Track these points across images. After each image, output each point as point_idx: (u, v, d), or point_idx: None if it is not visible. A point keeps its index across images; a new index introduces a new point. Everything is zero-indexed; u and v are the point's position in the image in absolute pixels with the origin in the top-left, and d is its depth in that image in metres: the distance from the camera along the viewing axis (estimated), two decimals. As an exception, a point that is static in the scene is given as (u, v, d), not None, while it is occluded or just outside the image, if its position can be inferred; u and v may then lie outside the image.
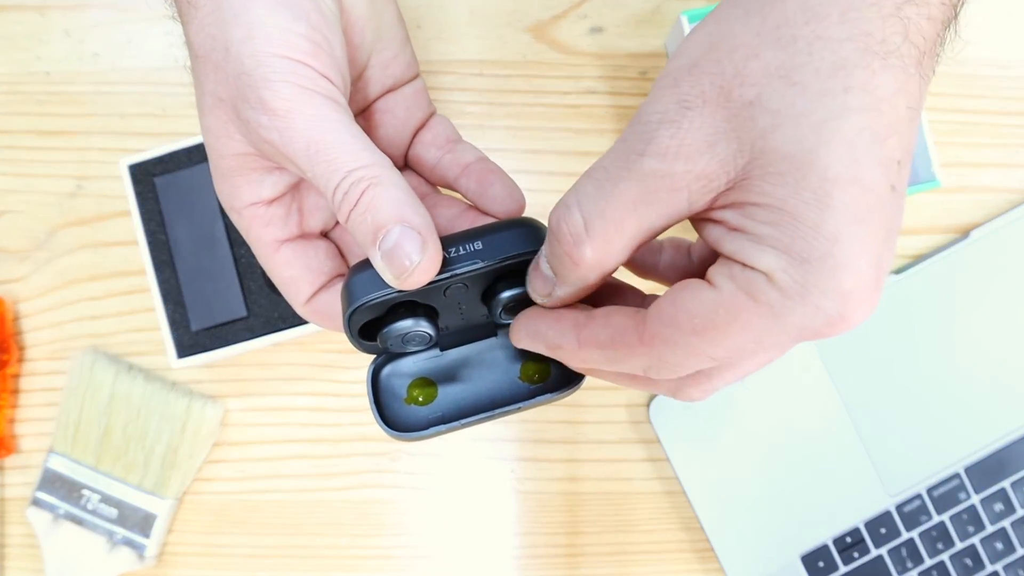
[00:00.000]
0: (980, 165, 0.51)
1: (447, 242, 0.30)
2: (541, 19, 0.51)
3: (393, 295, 0.30)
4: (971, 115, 0.51)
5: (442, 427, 0.32)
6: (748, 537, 0.48)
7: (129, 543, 0.48)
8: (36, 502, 0.49)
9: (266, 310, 0.48)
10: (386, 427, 0.32)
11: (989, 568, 0.48)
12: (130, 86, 0.51)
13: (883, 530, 0.48)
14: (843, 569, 0.48)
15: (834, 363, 0.49)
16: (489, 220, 0.34)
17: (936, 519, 0.48)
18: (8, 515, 0.50)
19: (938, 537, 0.48)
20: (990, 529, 0.48)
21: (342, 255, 0.35)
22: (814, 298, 0.23)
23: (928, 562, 0.48)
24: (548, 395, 0.32)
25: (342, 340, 0.46)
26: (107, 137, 0.51)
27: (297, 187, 0.34)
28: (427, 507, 0.50)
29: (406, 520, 0.50)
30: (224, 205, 0.33)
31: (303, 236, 0.34)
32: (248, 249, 0.48)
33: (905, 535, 0.48)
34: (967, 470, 0.48)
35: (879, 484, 0.48)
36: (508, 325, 0.34)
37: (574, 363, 0.29)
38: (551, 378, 0.34)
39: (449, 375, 0.34)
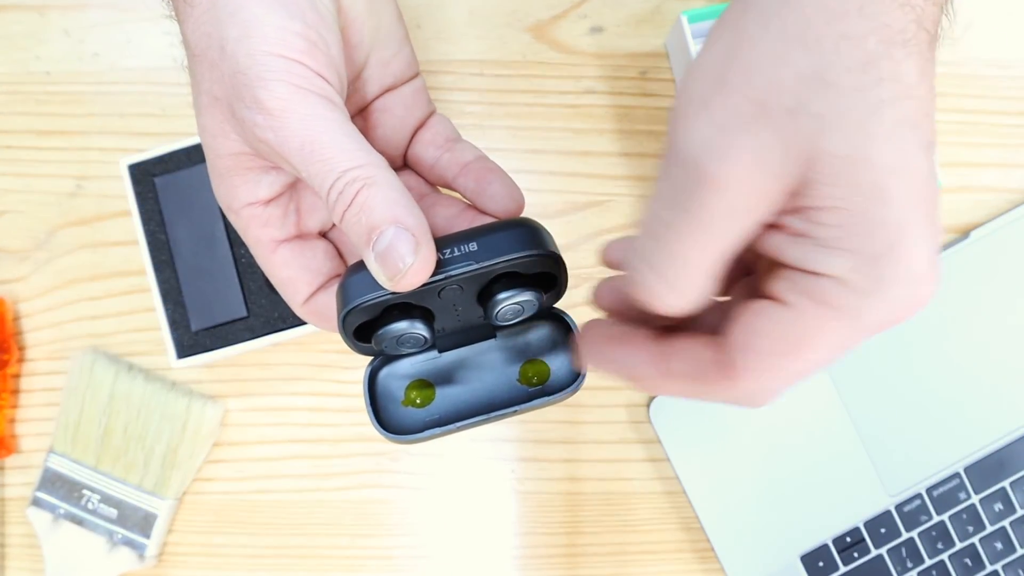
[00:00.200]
0: (980, 165, 0.51)
1: (442, 243, 0.30)
2: (541, 19, 0.51)
3: (387, 297, 0.29)
4: (971, 115, 0.51)
5: (437, 430, 0.32)
6: (748, 537, 0.48)
7: (129, 543, 0.48)
8: (36, 502, 0.49)
9: (266, 310, 0.48)
10: (382, 429, 0.32)
11: (989, 568, 0.48)
12: (130, 86, 0.51)
13: (883, 530, 0.48)
14: (843, 569, 0.48)
15: (834, 363, 0.49)
16: (488, 220, 0.34)
17: (936, 519, 0.48)
18: (8, 515, 0.50)
19: (938, 537, 0.48)
20: (990, 529, 0.48)
21: (341, 255, 0.35)
22: (890, 290, 0.23)
23: (928, 562, 0.48)
24: (545, 398, 0.32)
25: (341, 340, 0.46)
26: (107, 137, 0.51)
27: (294, 187, 0.34)
28: (427, 507, 0.50)
29: (406, 520, 0.50)
30: (221, 205, 0.33)
31: (301, 236, 0.34)
32: (248, 249, 0.48)
33: (905, 535, 0.48)
34: (967, 470, 0.48)
35: (879, 484, 0.48)
36: (505, 327, 0.34)
37: (655, 391, 0.29)
38: (550, 380, 0.34)
39: (447, 377, 0.34)
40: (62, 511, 0.48)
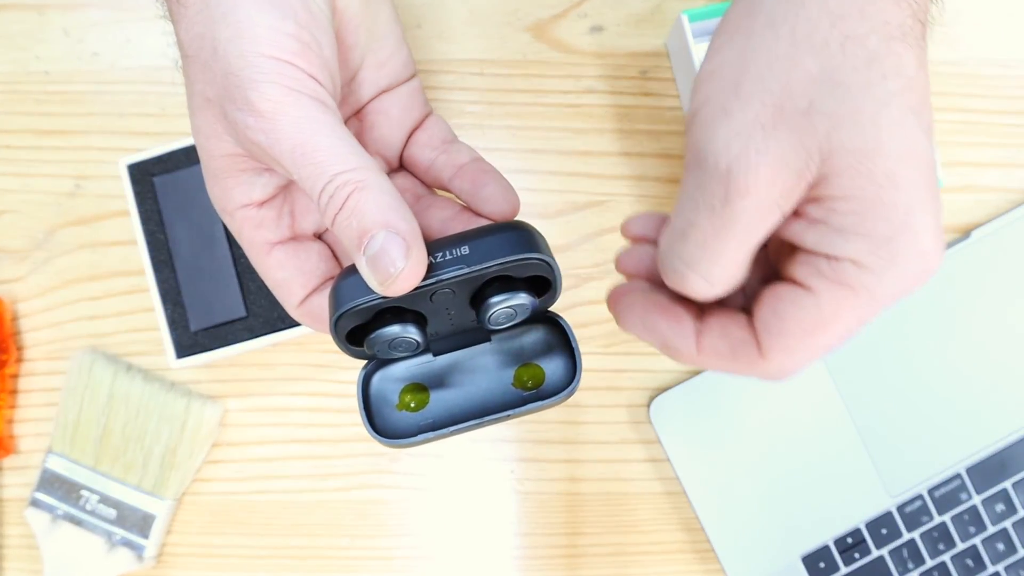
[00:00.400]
0: (981, 165, 0.51)
1: (434, 247, 0.30)
2: (541, 18, 0.51)
3: (378, 301, 0.29)
4: (972, 114, 0.51)
5: (431, 434, 0.32)
6: (749, 538, 0.48)
7: (128, 544, 0.48)
8: (35, 503, 0.49)
9: (265, 310, 0.48)
10: (375, 433, 0.32)
11: (991, 569, 0.48)
12: (129, 85, 0.51)
13: (884, 531, 0.48)
14: (844, 570, 0.48)
15: (835, 363, 0.49)
16: (483, 222, 0.34)
17: (937, 519, 0.48)
18: (7, 516, 0.50)
19: (939, 538, 0.48)
20: (991, 530, 0.48)
21: (335, 257, 0.35)
22: (902, 266, 0.26)
23: (929, 563, 0.48)
24: (539, 402, 0.32)
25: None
26: (106, 137, 0.51)
27: (288, 188, 0.33)
28: (427, 507, 0.50)
29: (406, 521, 0.50)
30: (216, 207, 0.32)
31: (295, 238, 0.34)
32: (247, 249, 0.48)
33: (906, 536, 0.48)
34: (968, 470, 0.48)
35: (880, 484, 0.48)
36: (499, 330, 0.34)
37: (685, 362, 0.31)
38: (544, 384, 0.34)
39: (441, 381, 0.34)
40: (60, 512, 0.48)
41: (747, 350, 0.29)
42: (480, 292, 0.31)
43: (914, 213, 0.25)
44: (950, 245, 0.49)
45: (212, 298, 0.48)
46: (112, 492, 0.48)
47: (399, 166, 0.38)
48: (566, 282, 0.50)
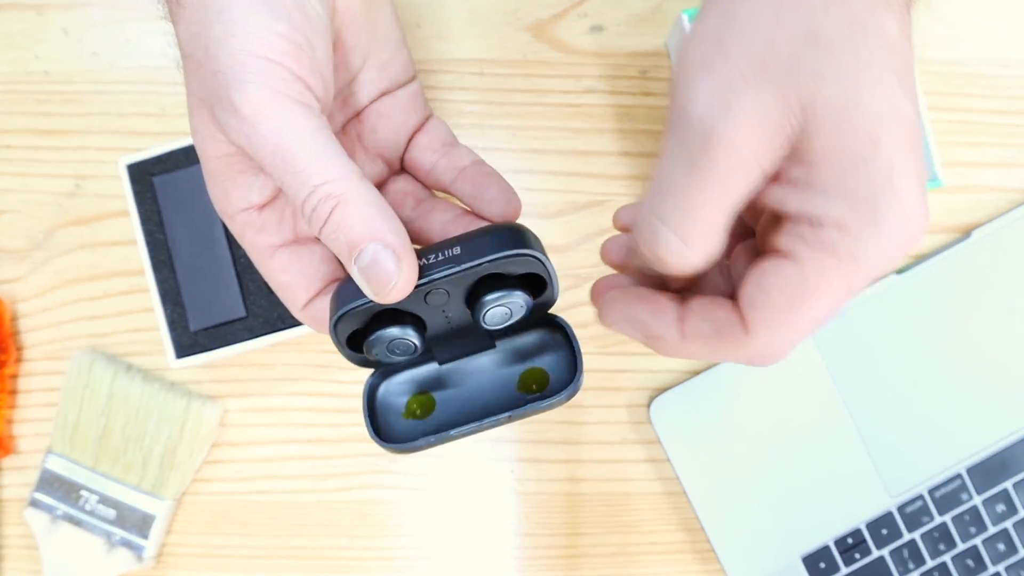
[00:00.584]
0: (982, 164, 0.51)
1: (427, 250, 0.30)
2: (541, 18, 0.51)
3: (370, 304, 0.30)
4: (972, 114, 0.51)
5: (432, 438, 0.32)
6: (749, 538, 0.48)
7: (127, 544, 0.48)
8: (34, 503, 0.49)
9: (265, 310, 0.48)
10: (379, 439, 0.32)
11: (991, 569, 0.48)
12: (129, 85, 0.51)
13: (884, 531, 0.48)
14: (844, 570, 0.48)
15: (835, 363, 0.49)
16: (483, 224, 0.34)
17: (938, 520, 0.48)
18: (6, 516, 0.50)
19: (940, 538, 0.48)
20: (992, 530, 0.48)
21: (337, 259, 0.35)
22: (885, 228, 0.25)
23: (930, 563, 0.48)
24: (539, 403, 0.32)
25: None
26: (105, 136, 0.51)
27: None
28: (427, 508, 0.50)
29: (406, 521, 0.50)
30: (217, 210, 0.32)
31: (297, 241, 0.34)
32: (247, 249, 0.47)
33: (907, 536, 0.48)
34: (969, 471, 0.48)
35: (880, 485, 0.48)
36: (498, 332, 0.34)
37: (671, 353, 0.30)
38: (549, 387, 0.34)
39: (447, 388, 0.34)
40: (60, 512, 0.48)
41: (732, 330, 0.28)
42: (474, 292, 0.31)
43: (896, 173, 0.25)
44: (950, 245, 0.49)
45: (212, 298, 0.48)
46: (112, 492, 0.48)
47: (400, 168, 0.38)
48: (566, 282, 0.50)
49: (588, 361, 0.49)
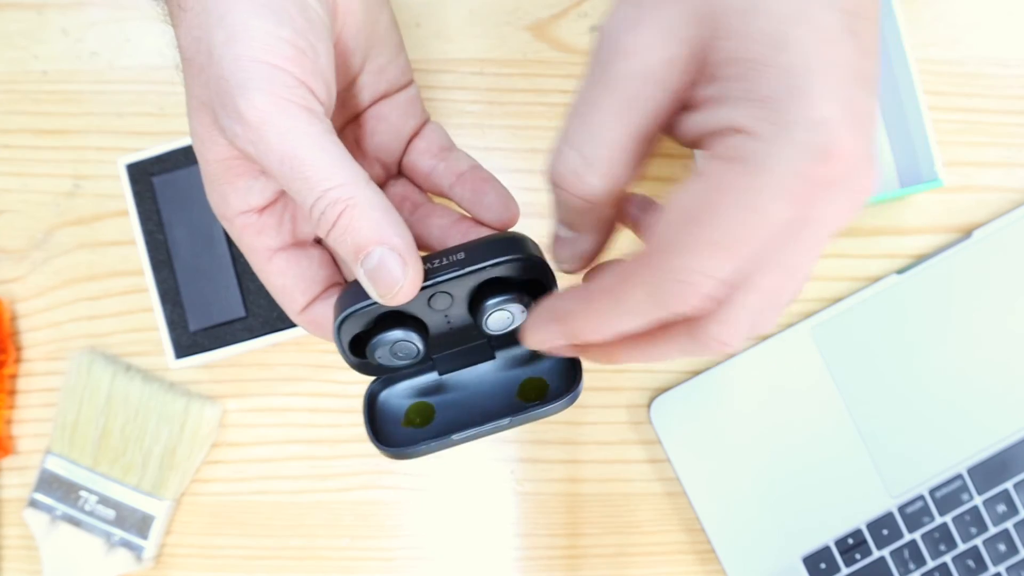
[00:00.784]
0: (983, 164, 0.51)
1: (432, 256, 0.31)
2: (541, 17, 0.51)
3: (376, 305, 0.30)
4: (973, 114, 0.51)
5: (433, 443, 0.32)
6: (750, 538, 0.48)
7: (127, 544, 0.48)
8: (33, 503, 0.48)
9: (264, 310, 0.48)
10: (380, 444, 0.32)
11: (992, 570, 0.48)
12: (128, 85, 0.51)
13: (885, 531, 0.48)
14: (845, 571, 0.48)
15: (836, 363, 0.49)
16: (483, 230, 0.34)
17: (939, 520, 0.48)
18: (5, 516, 0.50)
19: (940, 538, 0.48)
20: (993, 531, 0.48)
21: (336, 263, 0.35)
22: (792, 133, 0.22)
23: (930, 564, 0.48)
24: (539, 410, 0.32)
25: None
26: (105, 136, 0.51)
27: (287, 193, 0.33)
28: (427, 508, 0.50)
29: (406, 521, 0.50)
30: (215, 213, 0.32)
31: (296, 244, 0.34)
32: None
33: (907, 536, 0.48)
34: (970, 471, 0.48)
35: (881, 485, 0.48)
36: (500, 342, 0.34)
37: (591, 333, 0.27)
38: (548, 395, 0.34)
39: (447, 399, 0.35)
40: (59, 512, 0.48)
41: (633, 267, 0.25)
42: (476, 297, 0.32)
43: (805, 78, 0.22)
44: (951, 245, 0.49)
45: (211, 298, 0.48)
46: (111, 493, 0.48)
47: (397, 173, 0.37)
48: (565, 283, 0.50)
49: (587, 361, 0.49)
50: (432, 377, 0.35)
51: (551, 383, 0.34)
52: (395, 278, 0.28)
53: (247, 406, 0.50)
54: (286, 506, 0.50)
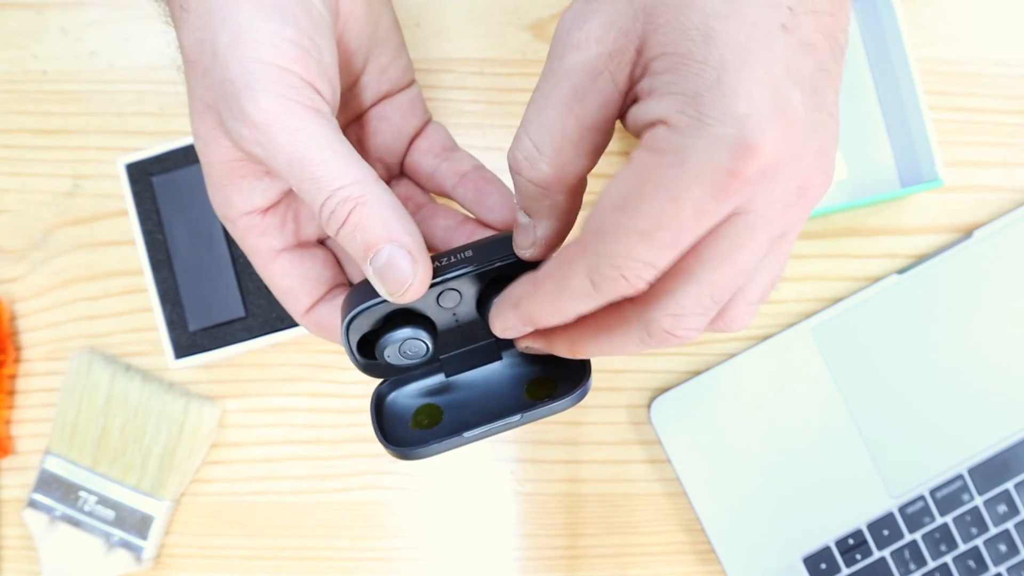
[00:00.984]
0: (983, 164, 0.51)
1: (440, 255, 0.31)
2: (541, 17, 0.51)
3: (385, 303, 0.30)
4: (974, 114, 0.51)
5: (445, 441, 0.32)
6: (750, 539, 0.48)
7: (126, 545, 0.48)
8: (32, 504, 0.48)
9: (264, 310, 0.48)
10: (390, 445, 0.32)
11: (993, 570, 0.48)
12: (127, 85, 0.51)
13: (886, 532, 0.48)
14: (845, 571, 0.48)
15: (836, 363, 0.49)
16: (486, 231, 0.35)
17: (939, 521, 0.48)
18: (4, 517, 0.50)
19: (941, 539, 0.48)
20: (994, 531, 0.48)
21: (339, 264, 0.35)
22: (712, 128, 0.23)
23: (931, 564, 0.48)
24: (550, 405, 0.32)
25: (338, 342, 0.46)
26: (104, 136, 0.51)
27: (291, 194, 0.33)
28: (427, 509, 0.50)
29: (406, 522, 0.50)
30: (218, 214, 0.32)
31: (300, 245, 0.34)
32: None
33: (908, 537, 0.48)
34: (970, 471, 0.48)
35: (881, 485, 0.48)
36: (508, 341, 0.34)
37: (545, 317, 0.28)
38: (557, 394, 0.34)
39: (455, 400, 0.35)
40: (59, 513, 0.48)
41: (571, 252, 0.26)
42: (485, 295, 0.32)
43: (730, 72, 0.23)
44: (951, 245, 0.49)
45: (211, 298, 0.48)
46: (110, 493, 0.48)
47: (400, 173, 0.37)
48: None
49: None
50: (439, 379, 0.35)
51: (559, 381, 0.34)
52: (405, 275, 0.28)
53: (246, 406, 0.50)
54: (286, 506, 0.50)
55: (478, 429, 0.32)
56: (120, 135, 0.51)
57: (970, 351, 0.49)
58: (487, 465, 0.50)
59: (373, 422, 0.33)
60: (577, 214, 0.29)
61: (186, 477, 0.49)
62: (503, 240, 0.31)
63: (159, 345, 0.49)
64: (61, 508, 0.48)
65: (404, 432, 0.34)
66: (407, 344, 0.32)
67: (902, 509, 0.48)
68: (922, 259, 0.49)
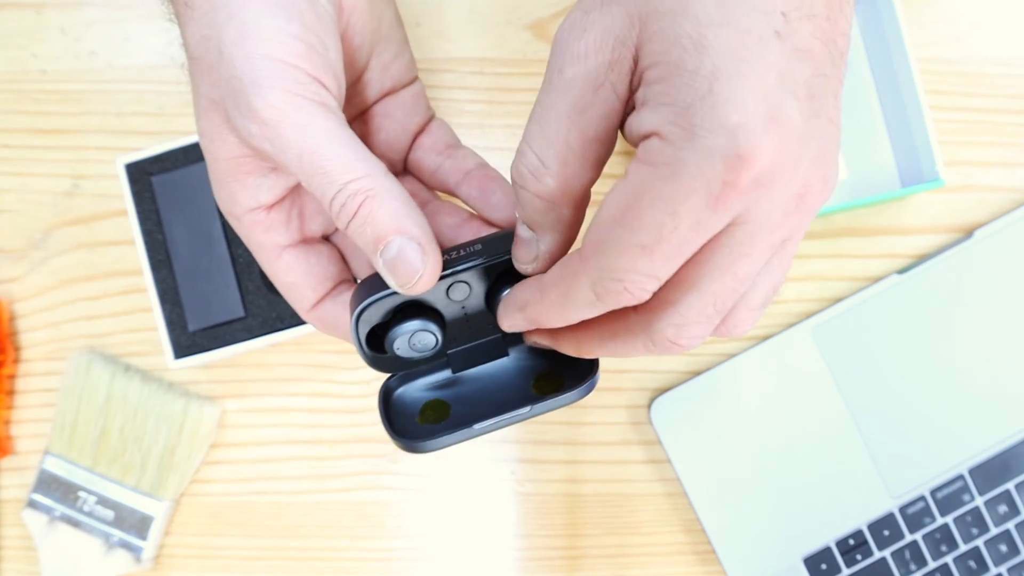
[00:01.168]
0: (984, 164, 0.51)
1: (449, 248, 0.31)
2: (542, 16, 0.51)
3: (395, 294, 0.30)
4: (974, 113, 0.51)
5: (456, 434, 0.32)
6: (750, 539, 0.48)
7: (126, 545, 0.48)
8: (32, 504, 0.48)
9: (264, 310, 0.48)
10: (400, 438, 0.32)
11: (993, 571, 0.48)
12: (127, 84, 0.51)
13: (886, 532, 0.48)
14: (846, 571, 0.48)
15: (837, 363, 0.49)
16: (490, 229, 0.35)
17: (940, 521, 0.48)
18: (4, 517, 0.50)
19: (942, 539, 0.48)
20: (994, 531, 0.48)
21: (344, 260, 0.35)
22: (703, 139, 0.22)
23: (931, 564, 0.48)
24: (557, 398, 0.32)
25: (339, 341, 0.46)
26: (104, 136, 0.51)
27: (296, 190, 0.33)
28: (427, 509, 0.50)
29: (406, 522, 0.50)
30: (223, 210, 0.32)
31: (305, 241, 0.34)
32: (246, 249, 0.47)
33: (908, 537, 0.48)
34: (971, 472, 0.48)
35: (882, 486, 0.48)
36: (516, 333, 0.34)
37: (550, 321, 0.29)
38: (564, 388, 0.34)
39: (462, 395, 0.35)
40: (58, 513, 0.48)
41: (572, 263, 0.27)
42: (494, 288, 0.32)
43: (722, 82, 0.22)
44: (952, 245, 0.49)
45: (210, 298, 0.48)
46: (110, 493, 0.48)
47: (403, 170, 0.37)
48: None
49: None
50: (446, 374, 0.35)
51: (567, 376, 0.34)
52: (415, 266, 0.28)
53: (246, 406, 0.50)
54: (285, 506, 0.50)
55: (488, 421, 0.32)
56: (120, 135, 0.51)
57: (970, 351, 0.48)
58: (487, 465, 0.50)
59: (382, 416, 0.33)
60: (580, 227, 0.29)
61: (186, 477, 0.49)
62: (512, 235, 0.31)
63: (159, 345, 0.49)
64: (60, 508, 0.48)
65: (411, 427, 0.34)
66: (416, 336, 0.32)
67: (903, 509, 0.48)
68: (922, 259, 0.49)
